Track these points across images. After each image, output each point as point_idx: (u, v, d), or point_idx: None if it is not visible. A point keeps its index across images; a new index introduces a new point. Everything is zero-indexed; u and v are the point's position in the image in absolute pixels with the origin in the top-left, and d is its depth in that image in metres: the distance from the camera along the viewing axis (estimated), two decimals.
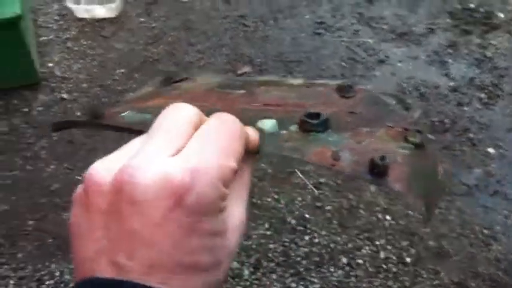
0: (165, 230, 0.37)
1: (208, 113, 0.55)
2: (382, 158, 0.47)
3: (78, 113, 2.76)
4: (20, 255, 2.23)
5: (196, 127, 0.43)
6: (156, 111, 0.55)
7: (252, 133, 0.47)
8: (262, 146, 0.49)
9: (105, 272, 0.37)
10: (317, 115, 0.53)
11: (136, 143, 0.43)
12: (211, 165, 0.39)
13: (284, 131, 0.53)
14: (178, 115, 0.43)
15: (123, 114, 0.58)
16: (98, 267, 0.38)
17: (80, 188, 0.41)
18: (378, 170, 0.47)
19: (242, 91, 0.61)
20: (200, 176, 0.38)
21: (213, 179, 0.39)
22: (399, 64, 3.01)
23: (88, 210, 0.39)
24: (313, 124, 0.52)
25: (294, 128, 0.53)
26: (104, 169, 0.40)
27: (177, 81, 0.67)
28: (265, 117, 0.54)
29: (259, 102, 0.59)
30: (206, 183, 0.38)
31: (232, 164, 0.41)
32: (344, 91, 0.60)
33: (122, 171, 0.38)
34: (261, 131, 0.52)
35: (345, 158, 0.49)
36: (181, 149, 0.41)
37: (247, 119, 0.53)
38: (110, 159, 0.41)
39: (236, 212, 0.43)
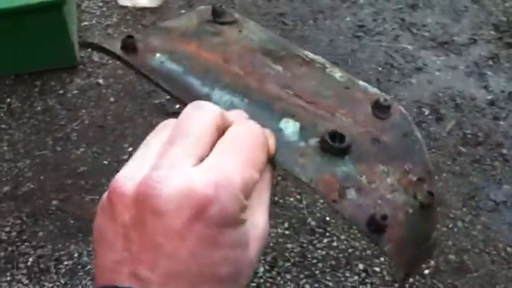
0: (187, 242, 0.37)
1: (238, 85, 0.55)
2: (384, 217, 0.46)
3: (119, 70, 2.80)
4: (41, 233, 2.28)
5: (220, 130, 0.43)
6: (187, 62, 0.57)
7: (271, 142, 0.47)
8: (276, 156, 0.48)
9: (125, 282, 0.38)
10: (341, 138, 0.52)
11: (157, 145, 0.42)
12: (235, 177, 0.39)
13: (302, 143, 0.52)
14: (201, 118, 0.42)
15: (154, 57, 0.57)
16: (118, 277, 0.38)
17: (105, 197, 0.41)
18: (375, 227, 0.47)
19: (280, 67, 0.59)
20: (223, 189, 0.38)
21: (235, 191, 0.39)
22: (437, 73, 2.95)
23: (112, 219, 0.40)
24: (333, 147, 0.51)
25: (313, 141, 0.52)
26: (127, 179, 0.40)
27: (222, 23, 0.63)
28: (292, 116, 0.53)
29: (293, 90, 0.57)
30: (229, 195, 0.38)
31: (255, 175, 0.41)
32: (379, 110, 0.57)
33: (145, 182, 0.38)
34: (280, 133, 0.52)
35: (350, 198, 0.48)
36: (205, 155, 0.40)
37: (274, 111, 0.54)
38: (132, 168, 0.41)
39: (257, 223, 0.42)
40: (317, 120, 0.54)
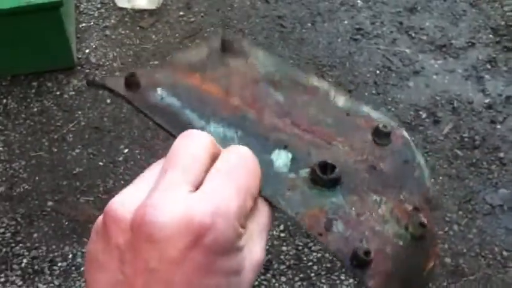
0: (182, 269, 0.37)
1: (235, 117, 0.56)
2: (367, 253, 0.45)
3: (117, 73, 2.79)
4: (35, 235, 2.28)
5: (212, 157, 0.43)
6: (187, 96, 0.58)
7: None
8: (263, 187, 0.47)
9: None
10: (332, 168, 0.51)
11: (153, 173, 0.43)
12: (231, 206, 0.39)
13: (293, 175, 0.51)
14: (193, 145, 0.43)
15: (156, 93, 0.58)
16: None
17: (99, 221, 0.42)
18: (357, 263, 0.46)
19: (282, 97, 0.59)
20: (220, 217, 0.38)
21: (231, 219, 0.39)
22: (434, 76, 2.95)
23: (106, 243, 0.40)
24: (323, 179, 0.50)
25: (304, 172, 0.51)
26: (123, 205, 0.40)
27: (230, 53, 0.64)
28: (285, 147, 0.53)
29: (291, 118, 0.57)
30: (225, 224, 0.38)
31: (249, 202, 0.42)
32: (379, 137, 0.56)
33: (141, 209, 0.38)
34: (270, 164, 0.51)
35: (336, 231, 0.47)
36: (199, 182, 0.41)
37: (268, 142, 0.53)
38: (129, 194, 0.41)
39: (254, 251, 0.42)
40: (311, 149, 0.53)
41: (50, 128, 2.70)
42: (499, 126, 2.70)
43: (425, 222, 0.51)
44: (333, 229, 0.47)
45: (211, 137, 0.44)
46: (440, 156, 2.56)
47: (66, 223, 2.31)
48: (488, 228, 2.32)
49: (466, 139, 2.64)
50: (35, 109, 2.79)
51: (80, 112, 2.78)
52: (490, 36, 3.17)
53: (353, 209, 0.49)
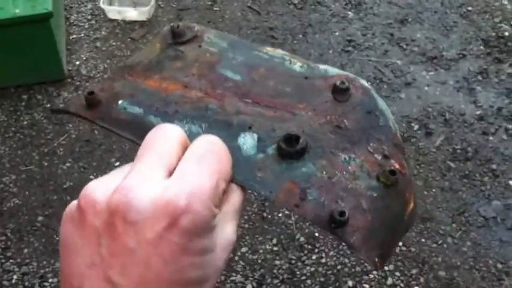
0: (158, 250, 0.38)
1: (197, 110, 0.58)
2: (341, 213, 0.46)
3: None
4: (26, 250, 2.25)
5: (183, 147, 0.44)
6: (148, 101, 0.58)
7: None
8: (234, 174, 0.47)
9: (96, 286, 0.39)
10: (296, 139, 0.52)
11: (128, 166, 0.44)
12: (204, 187, 0.40)
13: (261, 155, 0.52)
14: (167, 136, 0.44)
15: (118, 105, 0.58)
16: (88, 281, 0.39)
17: (72, 205, 0.42)
18: (335, 225, 0.47)
19: (239, 76, 0.60)
20: (195, 199, 0.39)
21: (206, 201, 0.40)
22: (426, 88, 2.95)
23: (82, 227, 0.40)
24: (289, 151, 0.51)
25: (271, 150, 0.52)
26: (99, 188, 0.41)
27: (183, 42, 0.65)
28: (249, 128, 0.54)
29: (251, 97, 0.58)
30: (200, 206, 0.39)
31: (222, 184, 0.43)
32: (338, 94, 0.57)
33: (118, 191, 0.39)
34: (239, 151, 0.52)
35: (311, 199, 0.48)
36: (173, 169, 0.42)
37: (233, 127, 0.54)
38: (105, 180, 0.42)
39: (226, 231, 0.44)
40: (275, 124, 0.55)
41: (40, 142, 2.67)
42: (491, 138, 2.70)
43: (396, 167, 0.52)
44: (308, 198, 0.48)
45: (181, 129, 0.46)
46: (433, 169, 2.56)
47: (57, 238, 2.27)
48: (482, 240, 2.31)
49: (458, 151, 2.64)
50: (25, 122, 2.76)
51: (70, 125, 2.75)
52: (481, 47, 3.18)
53: (324, 173, 0.50)
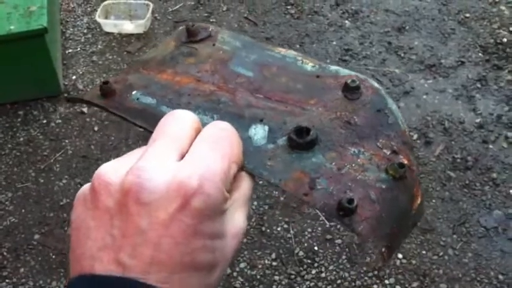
0: (170, 231, 0.38)
1: (210, 102, 0.58)
2: (350, 201, 0.47)
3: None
4: (22, 269, 2.23)
5: (196, 132, 0.45)
6: (161, 92, 0.60)
7: None
8: (245, 162, 0.49)
9: (106, 268, 0.39)
10: (307, 131, 0.53)
11: (141, 150, 0.44)
12: (217, 170, 0.41)
13: (271, 145, 0.53)
14: (179, 120, 0.45)
15: (131, 96, 0.60)
16: (99, 263, 0.39)
17: (85, 187, 0.43)
18: (344, 213, 0.47)
19: (251, 73, 0.61)
20: (207, 181, 0.40)
21: (218, 183, 0.40)
22: (425, 96, 2.93)
23: (94, 208, 0.41)
24: (300, 142, 0.52)
25: (282, 141, 0.54)
26: (112, 170, 0.42)
27: (197, 41, 0.67)
28: (261, 120, 0.55)
29: (263, 93, 0.59)
30: (212, 187, 0.40)
31: (233, 167, 0.44)
32: (349, 92, 0.59)
33: (131, 172, 0.40)
34: (249, 140, 0.53)
35: (320, 189, 0.49)
36: (185, 152, 0.43)
37: (244, 120, 0.56)
38: (118, 162, 0.43)
39: (236, 219, 0.44)
40: (286, 118, 0.56)
41: (37, 158, 2.65)
42: (491, 146, 2.68)
43: (405, 162, 0.53)
44: (316, 187, 0.49)
45: (195, 116, 0.47)
46: (433, 179, 2.53)
47: (54, 256, 2.26)
48: (483, 251, 2.28)
49: (458, 160, 2.61)
50: (21, 138, 2.75)
51: (67, 141, 2.74)
52: (480, 54, 3.16)
53: (333, 164, 0.52)
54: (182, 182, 0.39)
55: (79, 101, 0.64)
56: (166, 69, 0.63)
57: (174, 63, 0.64)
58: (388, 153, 0.54)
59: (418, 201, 0.54)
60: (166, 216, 0.38)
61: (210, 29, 0.68)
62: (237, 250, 0.44)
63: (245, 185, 0.48)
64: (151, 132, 0.46)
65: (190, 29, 0.67)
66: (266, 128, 0.55)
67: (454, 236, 2.33)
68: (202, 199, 0.39)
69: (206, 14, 3.48)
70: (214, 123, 0.47)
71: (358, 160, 0.52)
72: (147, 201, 0.39)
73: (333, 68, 0.62)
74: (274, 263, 2.25)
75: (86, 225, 0.41)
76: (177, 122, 0.45)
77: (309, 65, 0.62)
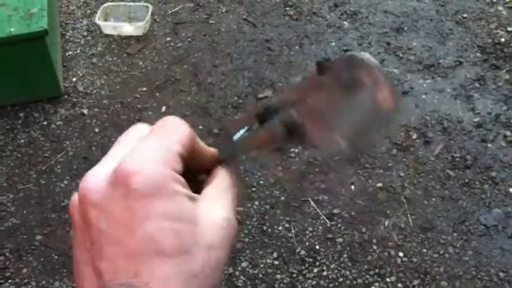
0: (123, 221, 0.38)
1: None
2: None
3: (105, 101, 2.76)
4: (24, 270, 2.23)
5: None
6: None
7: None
8: (220, 152, 0.50)
9: (90, 284, 0.39)
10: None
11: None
12: (150, 152, 0.41)
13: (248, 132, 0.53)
14: (127, 133, 0.46)
15: None
16: (86, 282, 0.39)
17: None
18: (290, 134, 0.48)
19: None
20: (142, 162, 0.40)
21: (154, 162, 0.40)
22: (424, 96, 2.94)
23: (74, 231, 0.41)
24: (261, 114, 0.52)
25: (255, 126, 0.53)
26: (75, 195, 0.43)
27: None
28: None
29: None
30: (149, 167, 0.40)
31: (178, 148, 0.43)
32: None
33: (81, 185, 0.41)
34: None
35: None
36: None
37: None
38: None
39: (211, 209, 0.43)
40: None
41: (38, 160, 2.66)
42: (489, 145, 2.69)
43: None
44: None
45: (144, 124, 0.47)
46: (433, 178, 2.55)
47: (56, 257, 2.26)
48: (483, 249, 2.29)
49: (457, 159, 2.63)
50: (22, 140, 2.75)
51: (67, 142, 2.74)
52: (478, 54, 3.17)
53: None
54: (119, 171, 0.39)
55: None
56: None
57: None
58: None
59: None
60: (118, 208, 0.39)
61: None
62: (226, 244, 0.43)
63: (221, 179, 0.47)
64: None
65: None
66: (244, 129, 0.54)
67: (455, 234, 2.35)
68: (140, 179, 0.39)
69: (205, 16, 3.50)
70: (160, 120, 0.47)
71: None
72: (97, 202, 0.39)
73: None
74: (276, 262, 2.26)
75: (74, 247, 0.42)
76: (125, 134, 0.46)
77: None
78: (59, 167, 2.63)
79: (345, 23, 3.40)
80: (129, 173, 0.39)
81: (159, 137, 0.44)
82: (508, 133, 2.75)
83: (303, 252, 2.29)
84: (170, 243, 0.39)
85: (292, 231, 2.36)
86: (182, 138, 0.45)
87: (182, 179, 0.42)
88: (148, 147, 0.42)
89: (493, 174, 2.57)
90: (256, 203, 2.45)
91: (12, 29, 2.68)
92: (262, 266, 2.25)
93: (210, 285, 0.41)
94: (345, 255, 2.28)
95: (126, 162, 0.40)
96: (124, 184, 0.39)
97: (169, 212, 0.39)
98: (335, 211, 2.43)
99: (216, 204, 0.44)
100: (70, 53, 3.28)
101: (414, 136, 2.74)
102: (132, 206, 0.38)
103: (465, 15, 3.40)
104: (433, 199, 2.47)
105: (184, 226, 0.40)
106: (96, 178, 0.41)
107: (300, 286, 2.19)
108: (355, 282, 2.20)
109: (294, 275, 2.22)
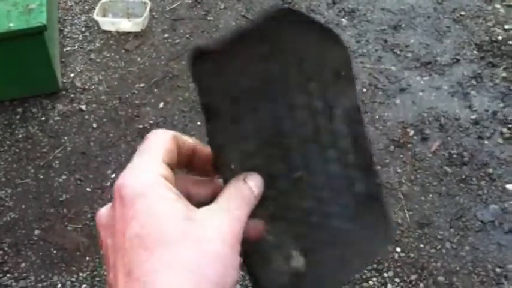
0: (120, 229, 0.43)
1: None
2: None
3: (103, 97, 2.76)
4: (23, 264, 2.23)
5: None
6: None
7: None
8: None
9: None
10: None
11: None
12: (136, 164, 0.46)
13: None
14: (151, 136, 0.50)
15: None
16: None
17: None
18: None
19: None
20: (130, 173, 0.45)
21: (143, 170, 0.45)
22: (421, 93, 2.95)
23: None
24: None
25: None
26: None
27: None
28: None
29: None
30: (135, 174, 0.45)
31: (163, 156, 0.47)
32: None
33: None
34: None
35: None
36: None
37: None
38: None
39: (216, 220, 0.45)
40: None
41: (36, 155, 2.66)
42: (486, 142, 2.70)
43: None
44: None
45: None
46: (430, 174, 2.56)
47: (54, 252, 2.27)
48: (480, 245, 2.31)
49: (454, 156, 2.64)
50: (20, 135, 2.76)
51: (65, 137, 2.75)
52: (475, 52, 3.18)
53: None
54: (114, 187, 0.45)
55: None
56: None
57: None
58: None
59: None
60: (122, 221, 0.43)
61: None
62: (230, 244, 0.44)
63: (227, 193, 0.49)
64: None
65: None
66: None
67: (452, 229, 2.36)
68: (127, 189, 0.44)
69: (204, 12, 3.50)
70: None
71: None
72: (107, 224, 0.45)
73: None
74: None
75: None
76: (150, 135, 0.51)
77: None
78: (57, 162, 2.63)
79: (343, 20, 3.41)
80: (118, 185, 0.44)
81: (141, 151, 0.48)
82: (504, 130, 2.76)
83: None
84: (152, 238, 0.42)
85: None
86: (163, 146, 0.48)
87: (167, 183, 0.45)
88: (135, 162, 0.46)
89: (490, 170, 2.58)
90: None
91: (11, 24, 2.68)
92: None
93: (216, 277, 0.42)
94: None
95: (118, 178, 0.45)
96: (119, 197, 0.44)
97: (150, 210, 0.43)
98: None
99: (220, 217, 0.46)
100: (68, 48, 3.28)
101: (411, 133, 2.75)
102: (122, 213, 0.43)
103: (463, 13, 3.42)
104: (430, 195, 2.48)
105: (162, 221, 0.43)
106: (104, 209, 0.47)
107: None
108: (352, 277, 2.21)
109: None
